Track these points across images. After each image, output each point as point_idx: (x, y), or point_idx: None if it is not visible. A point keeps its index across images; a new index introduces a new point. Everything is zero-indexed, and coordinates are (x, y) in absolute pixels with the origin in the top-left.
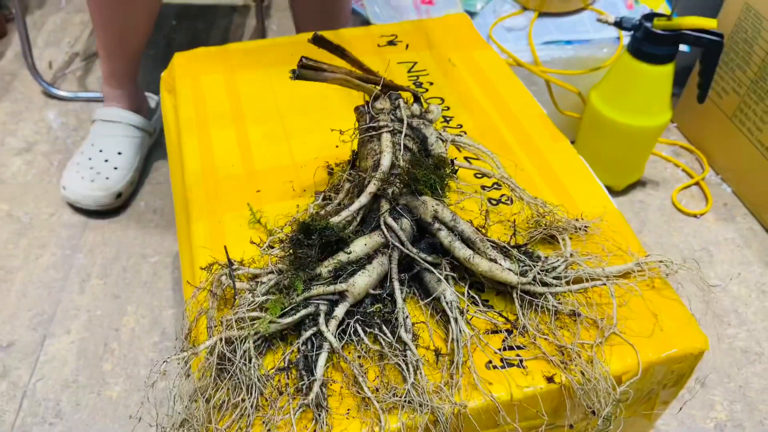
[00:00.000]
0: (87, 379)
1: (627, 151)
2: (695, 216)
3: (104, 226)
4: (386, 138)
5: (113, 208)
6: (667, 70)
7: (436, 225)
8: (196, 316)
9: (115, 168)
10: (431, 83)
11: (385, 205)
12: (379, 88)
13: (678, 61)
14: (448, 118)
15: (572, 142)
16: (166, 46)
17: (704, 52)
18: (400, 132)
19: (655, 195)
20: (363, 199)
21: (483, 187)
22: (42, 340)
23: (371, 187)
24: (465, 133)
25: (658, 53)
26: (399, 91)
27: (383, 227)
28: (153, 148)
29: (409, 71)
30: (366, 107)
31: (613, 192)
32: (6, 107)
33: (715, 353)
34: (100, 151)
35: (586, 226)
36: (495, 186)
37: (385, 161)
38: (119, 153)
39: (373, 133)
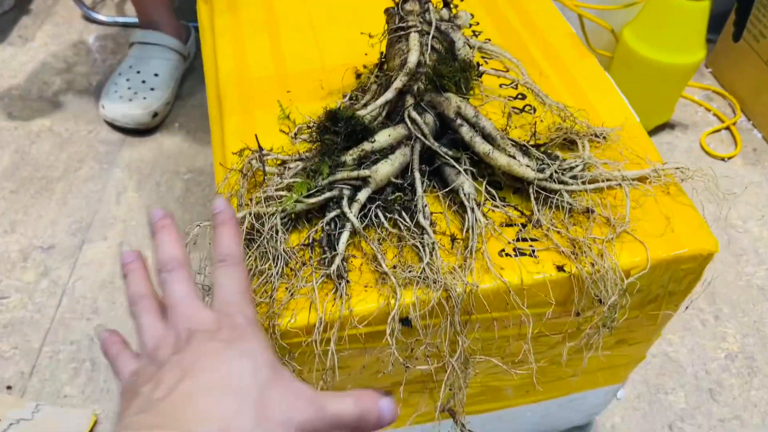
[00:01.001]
0: (120, 281)
1: (658, 90)
2: (723, 159)
3: (140, 144)
4: (414, 37)
5: (149, 127)
6: (703, 6)
7: (459, 121)
8: (227, 197)
9: (152, 89)
10: None
11: (410, 100)
12: None
13: (715, 5)
14: (476, 33)
15: None
16: None
17: None
18: (428, 33)
19: (683, 137)
20: (389, 93)
21: (508, 98)
22: (81, 244)
23: (397, 83)
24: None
25: None
26: None
27: (407, 120)
28: (188, 72)
29: None
30: (396, 8)
31: None
32: (48, 30)
33: (731, 289)
34: (138, 72)
35: (605, 134)
36: (519, 96)
37: (412, 58)
38: (156, 74)
39: (402, 33)
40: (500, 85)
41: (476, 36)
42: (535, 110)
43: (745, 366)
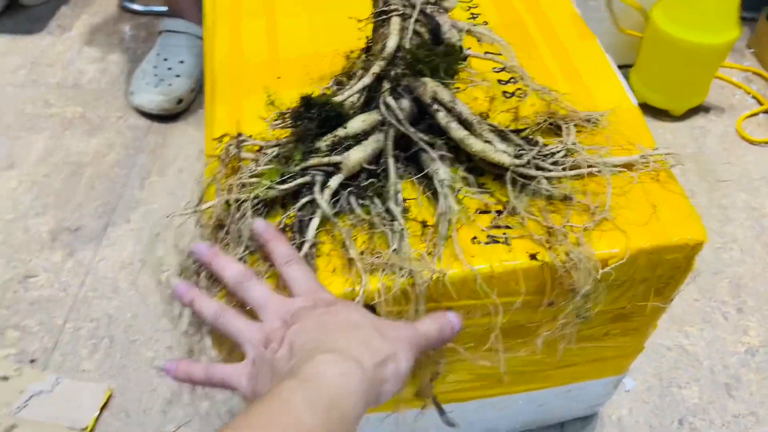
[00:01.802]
0: (141, 262)
1: (689, 72)
2: (760, 144)
3: (165, 130)
4: (395, 21)
5: (174, 113)
6: None
7: (435, 106)
8: (208, 182)
9: (177, 76)
10: None
11: (386, 85)
12: None
13: None
14: (475, 15)
15: (631, 65)
16: None
17: None
18: (411, 17)
19: (717, 121)
20: (366, 79)
21: (500, 81)
22: (105, 226)
23: (375, 68)
24: (487, 24)
25: None
26: None
27: (381, 106)
28: None
29: None
30: None
31: (672, 116)
32: (85, 19)
33: (758, 281)
34: (165, 59)
35: (595, 118)
36: (512, 80)
37: (391, 43)
38: (181, 62)
39: (384, 17)
40: (493, 69)
41: (474, 18)
42: (527, 94)
43: (766, 361)
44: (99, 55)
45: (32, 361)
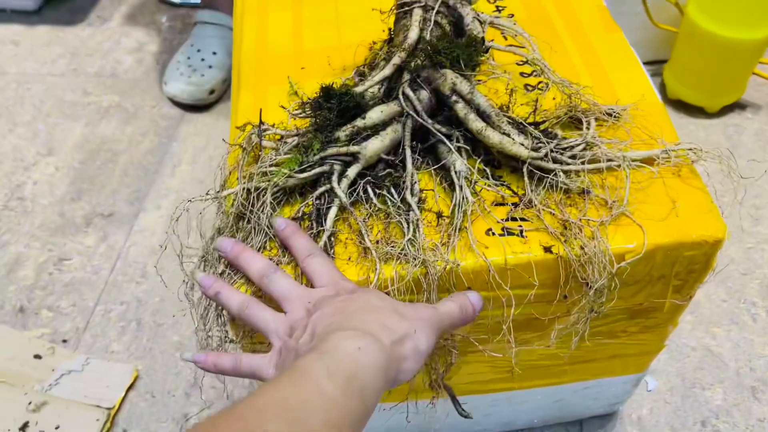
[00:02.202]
0: (170, 248)
1: (725, 68)
2: None
3: (197, 119)
4: (417, 12)
5: (207, 104)
6: None
7: (454, 97)
8: (231, 169)
9: (210, 66)
10: None
11: (406, 76)
12: None
13: None
14: (500, 8)
15: (666, 61)
16: None
17: None
18: (433, 8)
19: (754, 119)
20: (386, 70)
21: (522, 74)
22: (137, 212)
23: (395, 59)
24: (515, 22)
25: None
26: None
27: (400, 97)
28: None
29: None
30: None
31: (707, 113)
32: (123, 10)
33: None
34: (198, 50)
35: (617, 112)
36: (534, 73)
37: (412, 34)
38: (214, 53)
39: (407, 8)
40: (516, 62)
41: (499, 11)
42: (548, 87)
43: None
44: (136, 46)
45: (64, 341)
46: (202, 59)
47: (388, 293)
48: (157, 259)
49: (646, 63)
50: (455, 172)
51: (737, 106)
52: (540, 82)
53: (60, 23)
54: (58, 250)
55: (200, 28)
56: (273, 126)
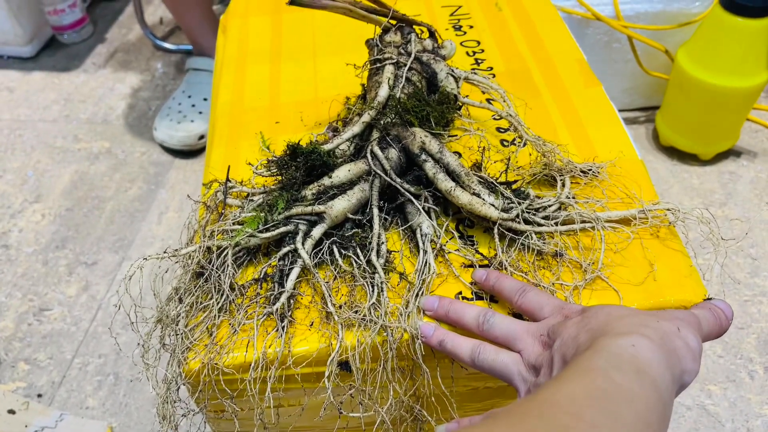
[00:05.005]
0: (152, 298)
1: (717, 116)
2: None
3: (186, 166)
4: (388, 70)
5: (196, 149)
6: (762, 25)
7: (423, 156)
8: (197, 227)
9: (200, 112)
10: (471, 26)
11: (375, 134)
12: (387, 20)
13: None
14: (480, 61)
15: (658, 107)
16: None
17: None
18: (405, 65)
19: (749, 167)
20: (356, 128)
21: (499, 129)
22: (120, 261)
23: (365, 117)
24: (494, 75)
25: (753, 5)
26: (413, 26)
27: (368, 155)
28: None
29: (451, 14)
30: (375, 40)
31: (701, 160)
32: (119, 57)
33: None
34: (189, 96)
35: (593, 170)
36: (512, 128)
37: (382, 92)
38: (205, 99)
39: (378, 65)
40: (493, 117)
41: (478, 64)
42: (525, 143)
43: None
44: (130, 92)
45: (39, 395)
46: (193, 105)
47: (349, 363)
48: (111, 320)
49: (638, 109)
50: (421, 235)
51: (732, 153)
52: (517, 137)
53: (55, 69)
54: (39, 300)
55: (192, 75)
56: (241, 183)
